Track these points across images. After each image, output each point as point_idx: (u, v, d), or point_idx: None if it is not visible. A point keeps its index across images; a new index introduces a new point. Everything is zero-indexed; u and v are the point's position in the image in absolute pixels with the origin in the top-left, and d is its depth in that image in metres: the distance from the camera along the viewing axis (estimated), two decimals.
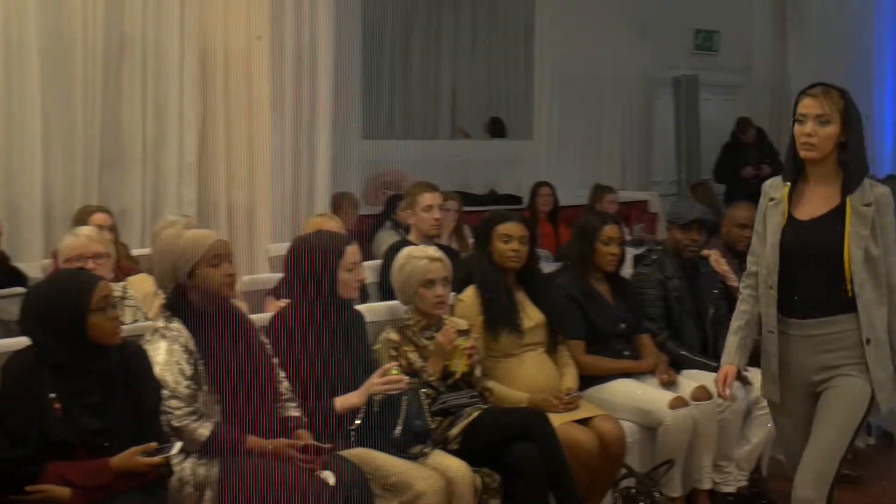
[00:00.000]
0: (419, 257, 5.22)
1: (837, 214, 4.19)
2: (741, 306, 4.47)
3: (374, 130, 10.92)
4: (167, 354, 4.23)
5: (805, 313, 4.25)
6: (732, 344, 4.49)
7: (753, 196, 6.48)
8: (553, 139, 12.39)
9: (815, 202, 4.26)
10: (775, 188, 4.32)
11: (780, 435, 4.61)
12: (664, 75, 13.70)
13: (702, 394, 5.73)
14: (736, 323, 4.50)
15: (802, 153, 4.22)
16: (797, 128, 4.22)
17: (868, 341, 4.18)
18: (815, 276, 4.21)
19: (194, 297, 4.36)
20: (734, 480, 6.03)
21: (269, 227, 8.21)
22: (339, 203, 8.51)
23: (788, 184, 4.26)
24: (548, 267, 6.71)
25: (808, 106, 4.21)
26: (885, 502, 5.41)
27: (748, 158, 13.15)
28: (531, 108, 12.43)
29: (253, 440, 4.23)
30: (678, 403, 5.62)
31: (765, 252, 4.30)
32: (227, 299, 4.48)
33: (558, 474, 4.97)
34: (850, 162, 4.21)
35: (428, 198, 6.50)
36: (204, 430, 4.16)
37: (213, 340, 4.31)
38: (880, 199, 4.21)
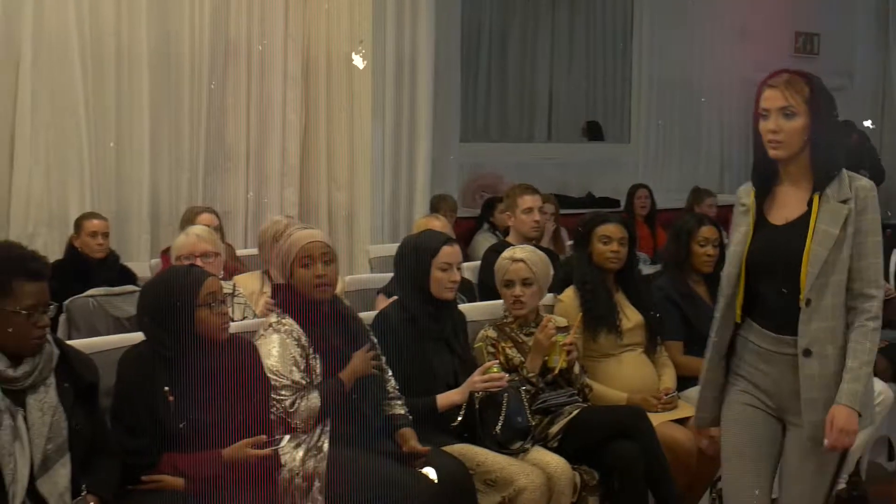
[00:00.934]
0: (504, 258, 5.32)
1: (810, 215, 3.69)
2: (712, 336, 3.94)
3: (471, 133, 10.97)
4: (281, 348, 4.34)
5: (779, 327, 3.72)
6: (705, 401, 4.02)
7: None
8: (651, 142, 12.37)
9: (791, 204, 3.76)
10: (746, 193, 3.85)
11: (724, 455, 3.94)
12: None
13: None
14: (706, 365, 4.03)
15: (770, 152, 3.77)
16: (761, 124, 3.80)
17: (807, 352, 3.62)
18: (783, 285, 3.68)
19: (299, 295, 4.48)
20: None
21: (369, 228, 8.33)
22: (438, 205, 8.57)
23: (753, 188, 3.85)
24: (645, 269, 6.72)
25: (769, 99, 3.80)
26: None
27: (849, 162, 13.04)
28: (628, 111, 12.41)
29: (345, 375, 4.37)
30: None
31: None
32: (327, 299, 4.54)
33: (657, 473, 5.01)
34: (819, 154, 3.72)
35: (528, 200, 6.54)
36: (314, 398, 4.27)
37: (319, 337, 4.42)
38: (859, 193, 3.67)
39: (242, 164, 8.12)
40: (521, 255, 5.28)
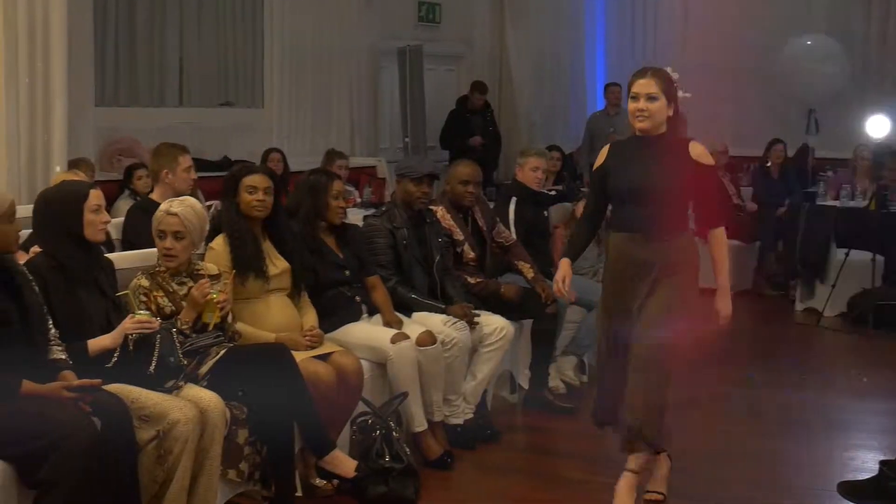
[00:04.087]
0: (161, 210, 5.58)
1: None
2: None
3: (106, 98, 11.00)
4: None
5: None
6: None
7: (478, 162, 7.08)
8: (284, 107, 12.67)
9: None
10: None
11: None
12: (390, 45, 14.09)
13: (427, 339, 6.33)
14: None
15: None
16: None
17: None
18: None
19: None
20: (462, 413, 6.67)
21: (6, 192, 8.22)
22: (77, 168, 8.48)
23: None
24: None
25: None
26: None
27: (473, 127, 13.98)
28: (261, 76, 12.68)
29: (28, 385, 4.45)
30: (399, 338, 6.21)
31: None
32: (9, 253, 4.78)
33: (301, 405, 5.46)
34: None
35: (188, 159, 6.87)
36: None
37: None
38: None
39: None
40: (176, 209, 5.48)
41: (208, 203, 7.86)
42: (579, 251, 5.79)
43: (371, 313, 6.50)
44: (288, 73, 12.64)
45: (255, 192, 5.94)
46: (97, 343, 4.96)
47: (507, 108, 15.52)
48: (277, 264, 6.01)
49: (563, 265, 5.59)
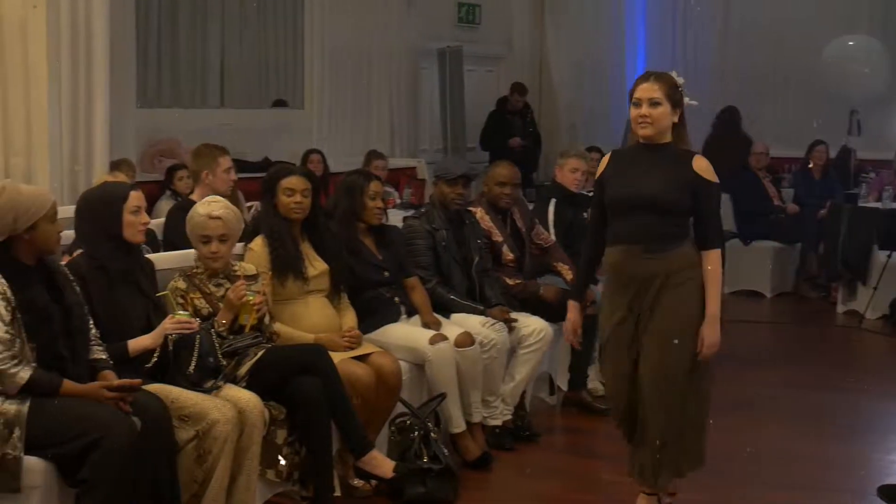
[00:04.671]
0: (201, 214, 5.58)
1: None
2: None
3: (147, 99, 11.01)
4: None
5: None
6: None
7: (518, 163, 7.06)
8: (324, 108, 12.66)
9: None
10: None
11: None
12: (429, 47, 14.07)
13: (465, 340, 6.33)
14: None
15: None
16: None
17: None
18: None
19: (21, 250, 4.60)
20: (500, 414, 6.66)
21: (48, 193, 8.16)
22: (118, 170, 8.49)
23: None
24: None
25: None
26: None
27: (513, 128, 13.96)
28: (301, 77, 12.67)
29: (68, 384, 4.48)
30: (437, 339, 6.22)
31: None
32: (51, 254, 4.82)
33: (339, 406, 5.49)
34: None
35: (228, 160, 6.93)
36: (24, 374, 4.37)
37: (32, 291, 4.57)
38: None
39: None
40: (218, 213, 5.50)
41: (249, 204, 7.88)
42: (587, 282, 5.64)
43: (410, 314, 6.51)
44: (328, 75, 12.63)
45: (293, 195, 5.97)
46: (137, 343, 5.02)
47: (546, 110, 15.53)
48: (316, 265, 6.04)
49: (572, 310, 5.39)
